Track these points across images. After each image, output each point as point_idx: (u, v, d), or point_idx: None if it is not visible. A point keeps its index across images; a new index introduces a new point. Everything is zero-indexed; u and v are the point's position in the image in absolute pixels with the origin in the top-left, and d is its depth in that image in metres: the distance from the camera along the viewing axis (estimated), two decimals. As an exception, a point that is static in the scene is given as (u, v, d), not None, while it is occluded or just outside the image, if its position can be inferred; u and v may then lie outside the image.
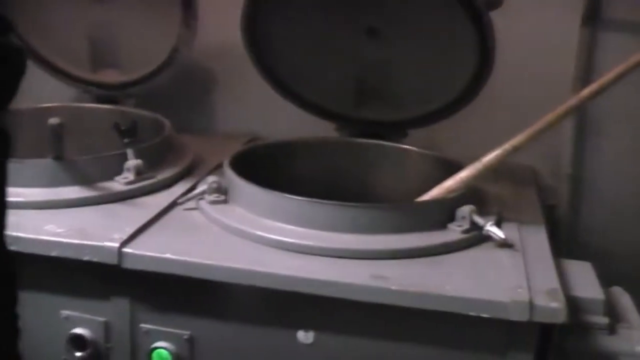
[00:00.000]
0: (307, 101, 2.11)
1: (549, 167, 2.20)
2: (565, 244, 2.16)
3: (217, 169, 1.91)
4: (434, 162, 1.90)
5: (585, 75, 2.09)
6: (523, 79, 2.09)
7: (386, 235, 1.51)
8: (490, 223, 1.54)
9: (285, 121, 2.25)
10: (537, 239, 1.62)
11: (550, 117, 1.58)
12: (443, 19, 1.86)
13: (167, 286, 1.48)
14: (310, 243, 1.48)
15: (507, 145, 1.60)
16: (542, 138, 1.65)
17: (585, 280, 1.53)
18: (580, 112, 2.11)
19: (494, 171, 1.70)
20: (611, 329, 1.46)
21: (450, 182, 1.64)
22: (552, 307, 1.31)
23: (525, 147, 1.62)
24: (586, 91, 1.55)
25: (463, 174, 1.64)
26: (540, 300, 1.32)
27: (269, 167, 1.90)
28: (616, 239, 2.17)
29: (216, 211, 1.61)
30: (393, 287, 1.36)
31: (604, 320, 1.45)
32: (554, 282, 1.40)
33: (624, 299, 1.59)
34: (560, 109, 1.58)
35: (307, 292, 1.39)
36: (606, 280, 1.60)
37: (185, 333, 1.49)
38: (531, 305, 1.31)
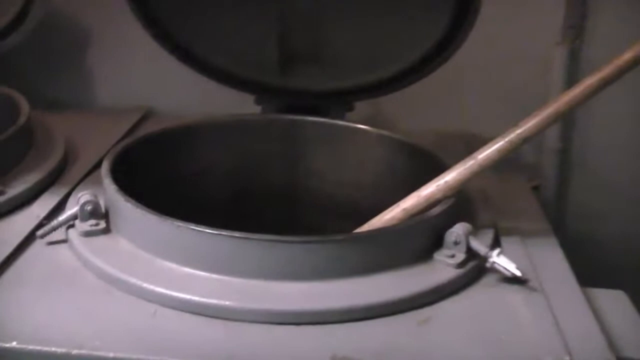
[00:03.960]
0: (215, 67, 1.57)
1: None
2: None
3: (97, 169, 1.35)
4: (398, 149, 1.40)
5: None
6: (499, 46, 1.63)
7: (345, 280, 1.01)
8: (497, 252, 1.05)
9: (188, 92, 1.73)
10: (553, 261, 1.13)
11: (568, 96, 1.08)
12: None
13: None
14: (237, 305, 0.96)
15: (512, 135, 1.09)
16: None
17: (628, 327, 1.05)
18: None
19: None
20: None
21: (431, 189, 1.13)
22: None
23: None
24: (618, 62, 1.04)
25: (449, 177, 1.13)
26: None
27: (164, 163, 1.36)
28: (613, 227, 1.74)
29: (92, 249, 1.07)
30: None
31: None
32: (601, 346, 0.94)
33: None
34: (581, 87, 1.07)
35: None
36: (605, 280, 1.14)
37: None
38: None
